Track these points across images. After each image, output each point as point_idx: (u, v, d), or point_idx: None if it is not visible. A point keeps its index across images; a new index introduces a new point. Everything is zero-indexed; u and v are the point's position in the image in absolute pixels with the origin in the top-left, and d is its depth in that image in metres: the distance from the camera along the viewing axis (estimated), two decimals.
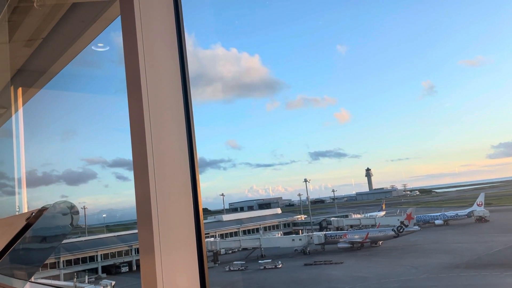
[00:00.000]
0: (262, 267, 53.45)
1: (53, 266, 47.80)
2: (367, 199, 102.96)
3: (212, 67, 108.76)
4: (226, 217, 77.11)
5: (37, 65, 5.29)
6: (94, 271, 53.68)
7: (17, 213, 5.90)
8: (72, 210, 2.70)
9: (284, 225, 78.75)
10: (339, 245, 59.45)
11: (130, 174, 2.13)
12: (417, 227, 60.97)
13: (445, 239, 57.32)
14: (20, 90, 5.81)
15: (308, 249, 60.46)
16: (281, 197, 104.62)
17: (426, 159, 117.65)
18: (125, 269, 55.49)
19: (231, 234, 71.40)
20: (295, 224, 79.46)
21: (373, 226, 67.37)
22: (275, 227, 77.55)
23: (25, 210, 5.80)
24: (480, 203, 66.05)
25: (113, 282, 46.76)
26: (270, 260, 54.97)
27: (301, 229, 74.41)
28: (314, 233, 65.13)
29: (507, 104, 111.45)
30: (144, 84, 2.09)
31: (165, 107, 2.12)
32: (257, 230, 73.90)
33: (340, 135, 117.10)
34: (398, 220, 62.26)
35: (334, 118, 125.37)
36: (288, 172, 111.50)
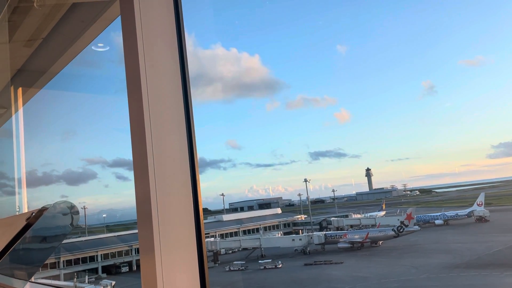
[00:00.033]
0: (262, 267, 53.46)
1: (53, 266, 47.82)
2: (367, 199, 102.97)
3: (212, 67, 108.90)
4: (226, 217, 77.12)
5: (37, 65, 5.29)
6: (94, 271, 53.69)
7: (17, 213, 5.90)
8: (72, 210, 2.69)
9: (284, 225, 78.77)
10: (339, 245, 59.46)
11: (130, 174, 2.14)
12: (417, 227, 60.97)
13: (445, 239, 57.34)
14: (20, 90, 5.81)
15: (308, 249, 60.47)
16: (281, 197, 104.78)
17: (426, 159, 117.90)
18: (125, 269, 55.50)
19: (231, 234, 71.41)
20: (295, 224, 79.48)
21: (373, 226, 67.38)
22: (275, 227, 77.55)
23: (25, 210, 5.80)
24: (480, 203, 66.06)
25: (113, 282, 46.78)
26: (270, 260, 54.98)
27: (301, 229, 74.42)
28: (314, 233, 65.15)
29: (507, 104, 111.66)
30: (144, 84, 2.09)
31: (165, 107, 2.12)
32: (257, 230, 73.91)
33: (340, 135, 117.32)
34: (398, 220, 62.26)
35: (334, 118, 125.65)
36: (288, 172, 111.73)
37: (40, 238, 2.69)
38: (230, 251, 64.21)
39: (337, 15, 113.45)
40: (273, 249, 61.25)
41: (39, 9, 4.12)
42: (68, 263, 52.87)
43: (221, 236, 69.85)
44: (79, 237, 58.48)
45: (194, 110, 2.21)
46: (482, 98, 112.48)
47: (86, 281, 45.04)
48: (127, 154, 2.16)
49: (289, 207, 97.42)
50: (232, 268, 53.77)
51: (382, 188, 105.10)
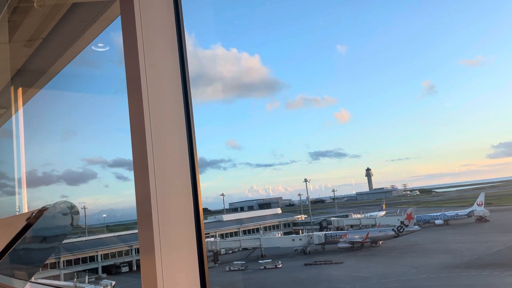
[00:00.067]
0: (262, 267, 53.46)
1: (53, 266, 47.81)
2: (367, 199, 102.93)
3: (212, 67, 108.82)
4: (226, 217, 77.11)
5: (37, 65, 5.29)
6: (94, 271, 53.69)
7: (17, 213, 5.90)
8: (72, 210, 2.69)
9: (284, 225, 78.76)
10: (339, 245, 59.45)
11: (130, 174, 2.14)
12: (417, 227, 60.95)
13: (445, 239, 57.34)
14: (20, 90, 5.81)
15: (308, 249, 60.47)
16: (281, 197, 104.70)
17: (426, 159, 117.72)
18: (125, 269, 55.50)
19: (231, 234, 71.40)
20: (295, 224, 79.47)
21: (373, 226, 67.37)
22: (275, 227, 77.55)
23: (25, 210, 5.80)
24: (480, 203, 66.05)
25: (113, 282, 46.79)
26: (270, 260, 54.97)
27: (301, 229, 74.41)
28: (314, 233, 65.15)
29: (507, 104, 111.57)
30: (144, 84, 2.09)
31: (165, 107, 2.12)
32: (257, 230, 73.90)
33: (340, 135, 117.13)
34: (398, 220, 62.23)
35: (334, 118, 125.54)
36: (288, 172, 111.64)
37: (40, 238, 2.68)
38: (230, 251, 64.21)
39: (337, 15, 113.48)
40: (273, 249, 61.25)
41: (39, 9, 4.12)
42: (68, 263, 52.87)
43: (221, 236, 69.84)
44: (79, 237, 58.48)
45: (194, 110, 2.21)
46: (482, 98, 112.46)
47: (86, 281, 45.04)
48: (127, 154, 2.16)
49: (289, 207, 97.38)
50: (232, 268, 53.78)
51: (382, 188, 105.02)
